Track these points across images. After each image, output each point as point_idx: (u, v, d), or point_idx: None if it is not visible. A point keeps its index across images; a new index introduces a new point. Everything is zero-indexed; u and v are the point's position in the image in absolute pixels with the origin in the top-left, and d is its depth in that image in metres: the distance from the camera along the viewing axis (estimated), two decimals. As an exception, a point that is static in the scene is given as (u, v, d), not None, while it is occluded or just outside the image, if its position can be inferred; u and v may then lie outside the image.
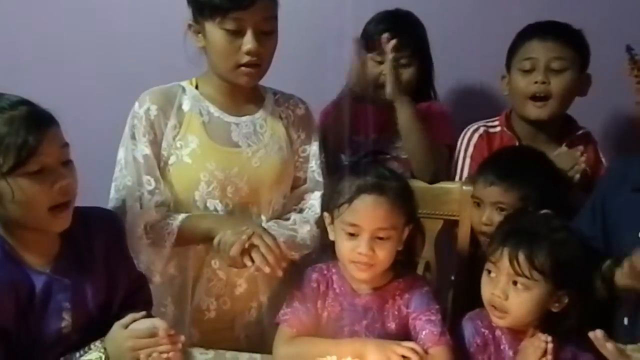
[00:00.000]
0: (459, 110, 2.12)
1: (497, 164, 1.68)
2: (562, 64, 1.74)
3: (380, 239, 1.38)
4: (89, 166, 1.35)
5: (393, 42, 1.79)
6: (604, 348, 1.19)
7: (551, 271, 1.31)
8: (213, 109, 1.59)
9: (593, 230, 1.45)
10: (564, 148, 1.78)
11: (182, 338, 1.30)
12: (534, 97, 1.77)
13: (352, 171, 1.44)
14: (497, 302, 1.34)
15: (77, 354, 1.29)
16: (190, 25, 1.55)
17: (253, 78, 1.54)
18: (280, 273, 1.41)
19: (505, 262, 1.34)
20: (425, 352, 1.36)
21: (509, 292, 1.33)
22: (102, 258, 1.37)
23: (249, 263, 1.39)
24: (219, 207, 1.56)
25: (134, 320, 1.29)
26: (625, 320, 1.40)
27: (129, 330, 1.28)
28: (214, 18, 1.47)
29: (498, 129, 1.91)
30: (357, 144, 2.02)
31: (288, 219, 1.63)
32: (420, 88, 2.02)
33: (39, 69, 2.29)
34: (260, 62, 1.51)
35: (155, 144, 1.54)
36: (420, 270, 1.86)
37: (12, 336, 1.26)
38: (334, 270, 1.48)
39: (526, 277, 1.32)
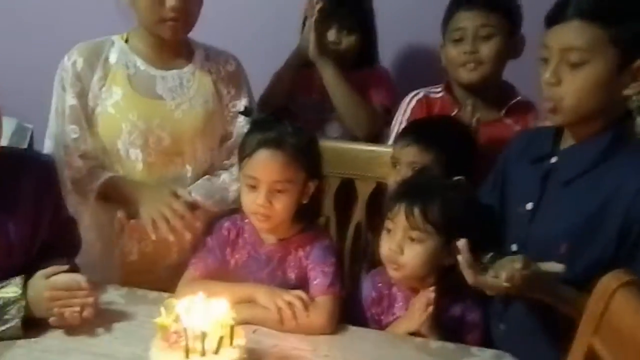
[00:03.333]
0: (412, 79, 2.16)
1: (417, 126, 1.74)
2: (489, 31, 1.76)
3: (279, 191, 1.44)
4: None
5: (319, 4, 1.85)
6: (461, 257, 1.26)
7: (443, 225, 1.39)
8: (140, 62, 1.65)
9: (491, 198, 1.49)
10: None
11: (95, 295, 1.38)
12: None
13: (258, 127, 1.50)
14: (393, 256, 1.41)
15: (-4, 286, 1.33)
16: None
17: (178, 32, 1.59)
18: (188, 237, 1.55)
19: (401, 217, 1.41)
20: (312, 300, 1.44)
21: (405, 246, 1.41)
22: (30, 199, 1.42)
23: (170, 237, 1.53)
24: (140, 156, 1.63)
25: (57, 273, 1.35)
26: (501, 326, 1.44)
27: (49, 281, 1.34)
28: None
29: (440, 94, 1.95)
30: (304, 105, 2.10)
31: (219, 178, 1.71)
32: (364, 53, 2.10)
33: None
34: (185, 17, 1.57)
35: (83, 95, 1.61)
36: (351, 230, 1.94)
37: None
38: (246, 221, 1.54)
39: (419, 230, 1.39)
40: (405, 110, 1.97)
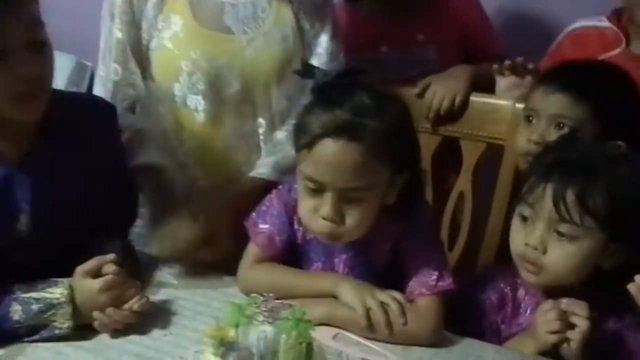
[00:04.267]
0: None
1: (566, 70, 1.33)
2: None
3: (352, 200, 1.05)
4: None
5: None
6: None
7: (608, 218, 1.02)
8: None
9: None
10: None
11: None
12: None
13: (320, 99, 1.06)
14: (532, 255, 1.07)
15: (40, 285, 1.08)
16: None
17: None
18: None
19: (546, 203, 1.05)
20: (411, 301, 1.11)
21: (549, 242, 1.05)
22: (85, 156, 1.15)
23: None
24: (201, 105, 1.31)
25: (101, 265, 1.08)
26: None
27: (102, 282, 1.06)
28: None
29: (606, 24, 1.57)
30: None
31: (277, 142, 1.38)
32: None
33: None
34: None
35: (134, 25, 1.31)
36: (450, 204, 1.59)
37: None
38: None
39: (575, 224, 1.03)
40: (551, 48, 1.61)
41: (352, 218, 1.05)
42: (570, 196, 1.03)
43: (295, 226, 1.17)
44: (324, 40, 1.39)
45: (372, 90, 1.04)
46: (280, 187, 1.21)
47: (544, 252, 1.06)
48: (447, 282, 1.11)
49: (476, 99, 1.56)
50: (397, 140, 1.04)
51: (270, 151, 1.37)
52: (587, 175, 1.03)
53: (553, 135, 1.25)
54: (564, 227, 1.04)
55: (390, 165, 1.05)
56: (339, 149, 1.00)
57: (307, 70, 1.09)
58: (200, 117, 1.33)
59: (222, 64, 1.31)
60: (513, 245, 1.11)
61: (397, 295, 1.11)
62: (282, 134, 1.37)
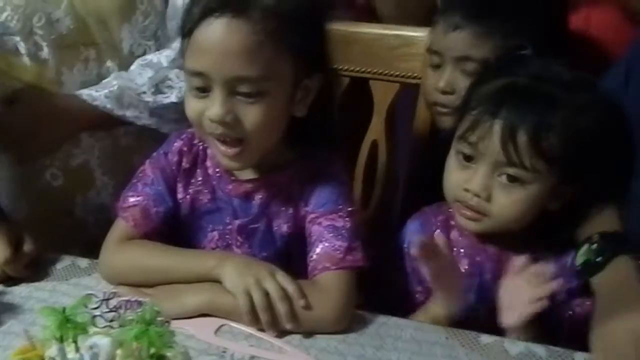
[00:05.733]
0: None
1: None
2: None
3: (247, 95, 0.86)
4: None
5: None
6: None
7: (564, 159, 0.88)
8: None
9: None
10: None
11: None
12: None
13: None
14: (473, 202, 0.92)
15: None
16: None
17: None
18: None
19: (494, 143, 0.88)
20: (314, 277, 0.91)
21: (493, 188, 0.90)
22: None
23: None
24: (24, 47, 1.02)
25: None
26: None
27: None
28: None
29: None
30: None
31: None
32: None
33: None
34: None
35: None
36: (364, 152, 1.36)
37: None
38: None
39: (525, 168, 0.88)
40: None
41: (249, 120, 0.86)
42: (521, 137, 0.87)
43: (180, 194, 0.96)
44: None
45: None
46: (154, 154, 0.99)
47: (488, 199, 0.90)
48: (359, 256, 0.91)
49: (386, 31, 1.32)
50: (300, 27, 0.86)
51: (119, 76, 1.11)
52: (542, 108, 0.87)
53: (461, 81, 1.05)
54: (511, 171, 0.89)
55: (291, 58, 0.87)
56: (222, 28, 0.83)
57: None
58: (27, 62, 1.05)
59: None
60: (449, 189, 0.95)
61: (289, 283, 0.88)
62: (135, 64, 1.12)
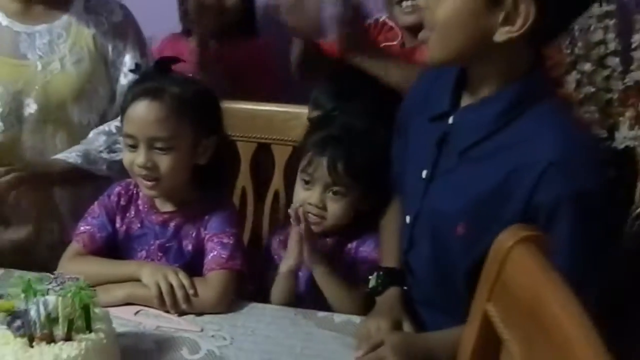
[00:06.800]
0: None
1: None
2: None
3: (160, 149, 1.27)
4: None
5: None
6: None
7: (363, 176, 1.35)
8: (2, 17, 1.48)
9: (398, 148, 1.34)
10: None
11: None
12: None
13: (139, 79, 1.33)
14: (315, 211, 1.35)
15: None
16: None
17: None
18: None
19: (323, 172, 1.33)
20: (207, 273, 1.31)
21: (327, 201, 1.35)
22: None
23: None
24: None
25: None
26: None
27: None
28: None
29: None
30: None
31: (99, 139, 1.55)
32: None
33: None
34: None
35: None
36: (269, 199, 1.78)
37: None
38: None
39: (344, 185, 1.34)
40: None
41: (163, 165, 1.26)
42: (340, 166, 1.32)
43: (118, 224, 1.37)
44: (127, 57, 1.56)
45: (181, 75, 1.31)
46: (101, 197, 1.39)
47: (324, 208, 1.34)
48: (238, 263, 1.31)
49: (279, 109, 1.77)
50: (197, 106, 1.29)
51: (83, 142, 1.54)
52: (347, 149, 1.33)
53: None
54: (335, 189, 1.34)
55: (191, 126, 1.28)
56: (144, 106, 1.25)
57: (137, 68, 1.38)
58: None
59: (19, 88, 1.45)
60: (296, 202, 1.36)
61: (184, 278, 1.28)
62: (92, 133, 1.55)
